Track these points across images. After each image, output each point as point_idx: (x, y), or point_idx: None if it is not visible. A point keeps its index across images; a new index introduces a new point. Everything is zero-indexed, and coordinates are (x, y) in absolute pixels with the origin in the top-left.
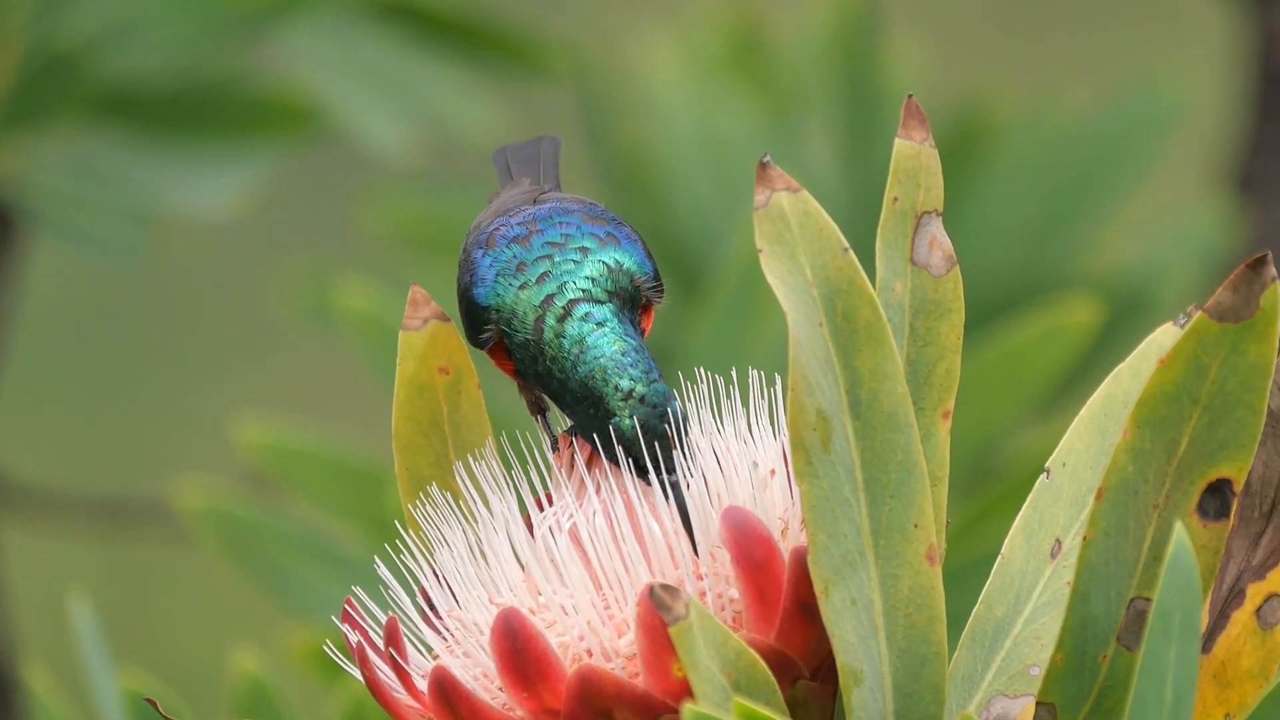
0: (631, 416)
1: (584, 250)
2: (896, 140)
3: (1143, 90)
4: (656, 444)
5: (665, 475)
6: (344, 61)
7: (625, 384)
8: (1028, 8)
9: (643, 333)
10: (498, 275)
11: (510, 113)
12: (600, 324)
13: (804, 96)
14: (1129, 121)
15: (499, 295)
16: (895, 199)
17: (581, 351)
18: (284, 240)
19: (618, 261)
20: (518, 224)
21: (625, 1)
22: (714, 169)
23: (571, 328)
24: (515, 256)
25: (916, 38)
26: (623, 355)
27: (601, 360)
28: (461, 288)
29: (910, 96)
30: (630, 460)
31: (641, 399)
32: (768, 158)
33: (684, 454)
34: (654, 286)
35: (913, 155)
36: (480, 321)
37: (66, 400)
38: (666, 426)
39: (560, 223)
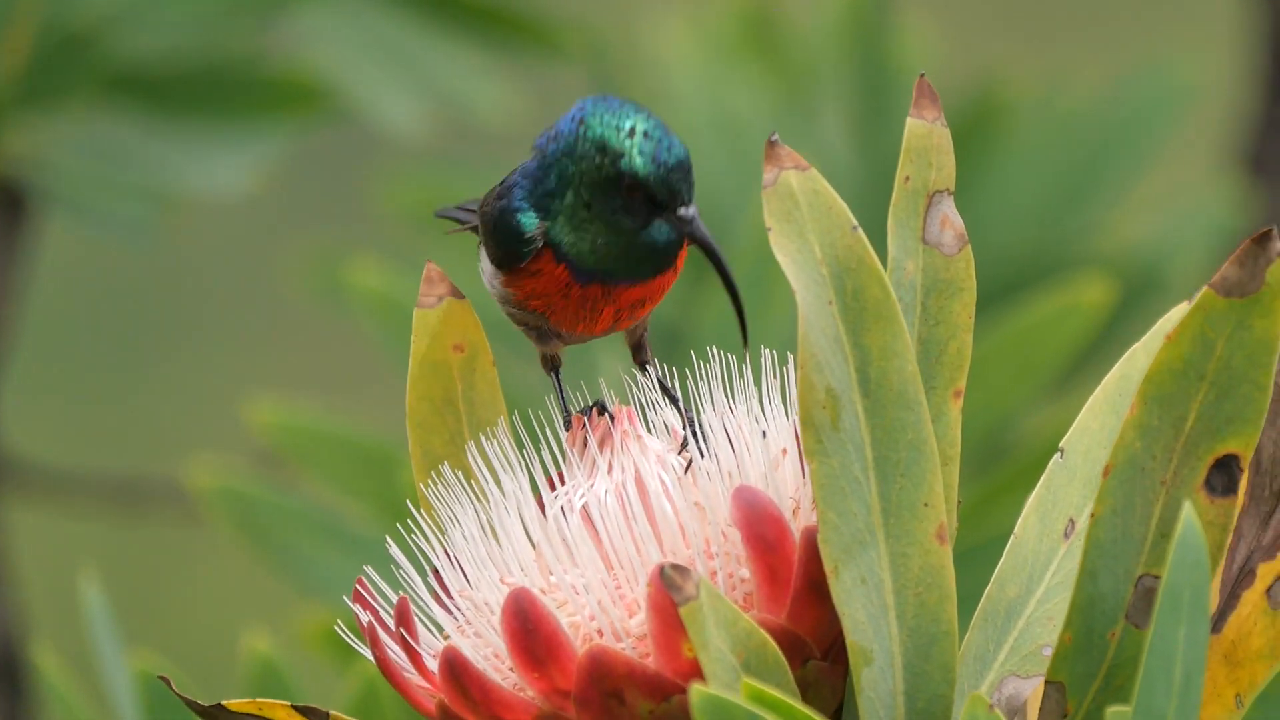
0: (641, 152)
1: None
2: (908, 119)
3: (1154, 71)
4: (674, 176)
5: (687, 207)
6: (357, 41)
7: (627, 123)
8: None
9: (676, 264)
10: (525, 194)
11: (523, 92)
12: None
13: (817, 76)
14: (1140, 102)
15: (529, 196)
16: (907, 178)
17: (590, 124)
18: (297, 219)
19: None
20: (532, 164)
21: None
22: (727, 148)
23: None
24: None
25: (929, 17)
26: (612, 110)
27: (606, 117)
28: (494, 217)
29: (922, 75)
30: (650, 202)
31: (645, 134)
32: (776, 136)
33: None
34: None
35: (924, 134)
36: (521, 234)
37: (78, 379)
38: (678, 159)
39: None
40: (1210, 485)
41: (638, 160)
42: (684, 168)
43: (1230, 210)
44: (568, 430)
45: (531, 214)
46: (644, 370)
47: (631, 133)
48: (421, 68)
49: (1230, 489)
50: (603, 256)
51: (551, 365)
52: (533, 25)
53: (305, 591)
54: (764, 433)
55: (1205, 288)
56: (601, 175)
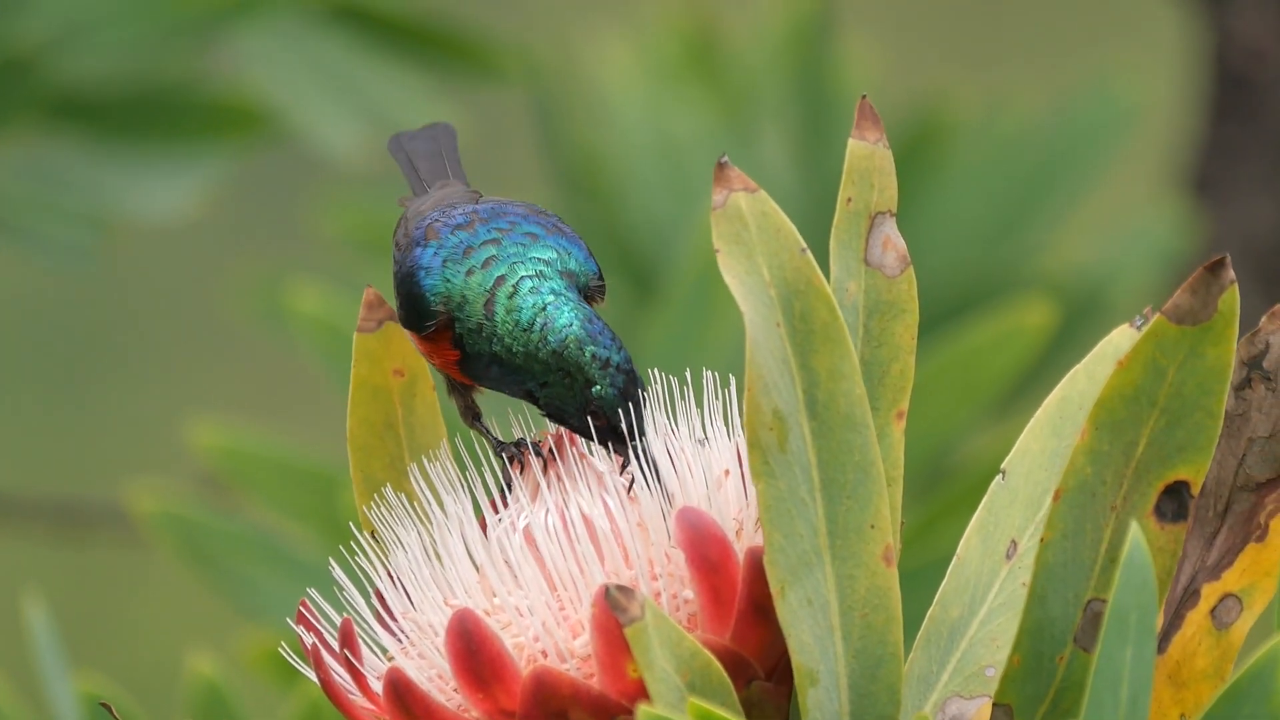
0: (612, 384)
1: (532, 236)
2: (850, 141)
3: (1097, 91)
4: (633, 412)
5: (639, 441)
6: (296, 64)
7: (602, 353)
8: (982, 9)
9: None
10: (444, 262)
11: (463, 115)
12: (556, 294)
13: (758, 98)
14: (1083, 123)
15: (447, 282)
16: (849, 199)
17: (547, 321)
18: (237, 243)
19: (565, 250)
20: (459, 215)
21: (578, 3)
22: (668, 170)
23: (527, 300)
24: (461, 242)
25: (870, 39)
26: (589, 323)
27: (573, 329)
28: (403, 274)
29: (864, 97)
30: (605, 433)
31: (618, 367)
32: (726, 158)
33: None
34: (598, 284)
35: (866, 156)
36: (426, 310)
37: (19, 403)
38: (638, 393)
39: (503, 213)
40: (1160, 511)
41: (608, 392)
42: (641, 401)
43: (1173, 232)
44: (499, 455)
45: (439, 284)
46: None
47: (605, 365)
48: (361, 91)
49: (1180, 515)
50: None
51: (472, 415)
52: (472, 48)
53: (248, 614)
54: (705, 453)
55: (1157, 315)
56: (563, 384)
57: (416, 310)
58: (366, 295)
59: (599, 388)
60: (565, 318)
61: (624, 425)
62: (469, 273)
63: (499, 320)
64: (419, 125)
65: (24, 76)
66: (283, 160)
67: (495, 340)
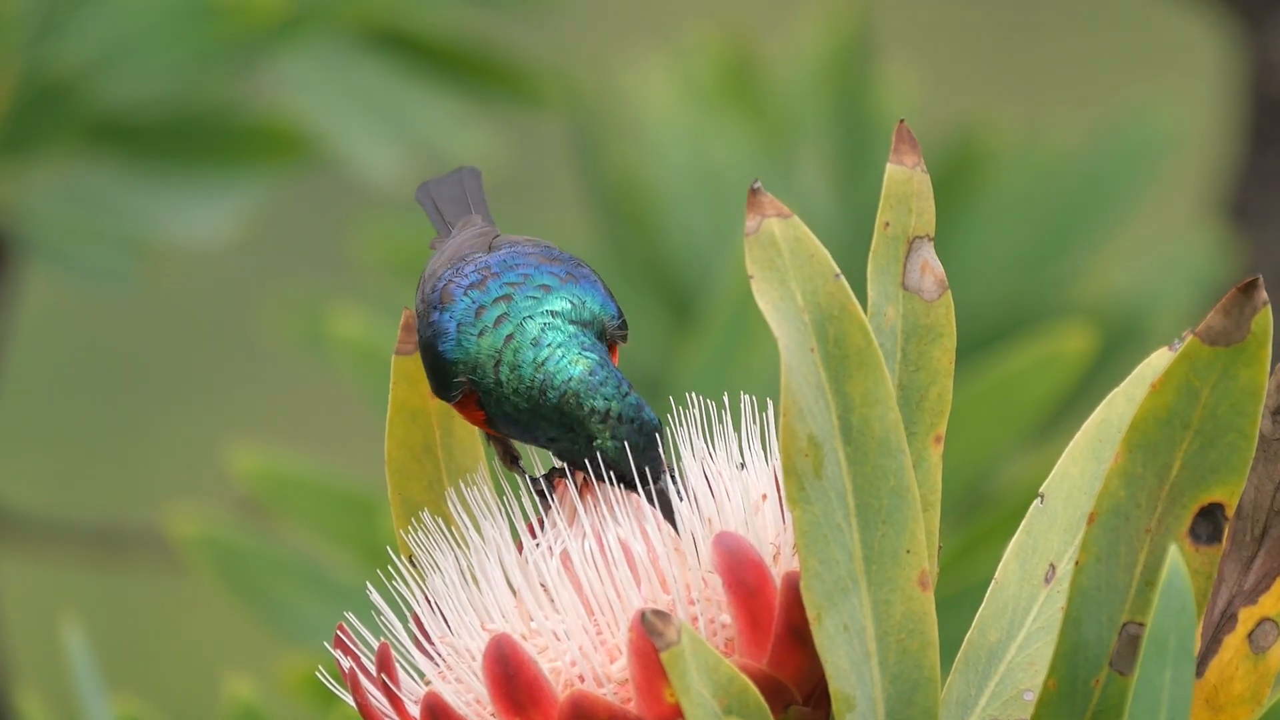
0: (614, 437)
1: (544, 288)
2: (888, 165)
3: (1136, 119)
4: (642, 458)
5: (655, 484)
6: (336, 89)
7: (600, 404)
8: (1021, 35)
9: None
10: (459, 326)
11: (502, 141)
12: (556, 345)
13: (797, 124)
14: (1122, 150)
15: (463, 348)
16: (887, 224)
17: (546, 377)
18: (276, 267)
19: (579, 299)
20: (471, 272)
21: (618, 29)
22: (707, 197)
23: (527, 356)
24: (473, 303)
25: (909, 65)
26: (590, 374)
27: (572, 384)
28: (424, 343)
29: (902, 122)
30: (619, 479)
31: (619, 417)
32: (758, 184)
33: (667, 462)
34: (618, 326)
35: (904, 180)
36: (449, 379)
37: (60, 428)
38: (647, 438)
39: (516, 265)
40: (1195, 533)
41: (610, 445)
42: (655, 447)
43: (1211, 259)
44: (539, 492)
45: (456, 351)
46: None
47: (606, 417)
48: (400, 115)
49: (1215, 537)
50: (525, 439)
51: (510, 459)
52: (512, 73)
53: (286, 638)
54: (743, 477)
55: (1190, 336)
56: (568, 439)
57: (440, 379)
58: (404, 318)
59: (600, 440)
60: (565, 371)
61: (635, 472)
62: (481, 334)
63: (505, 379)
64: (450, 166)
65: (64, 100)
66: (322, 185)
67: (505, 401)
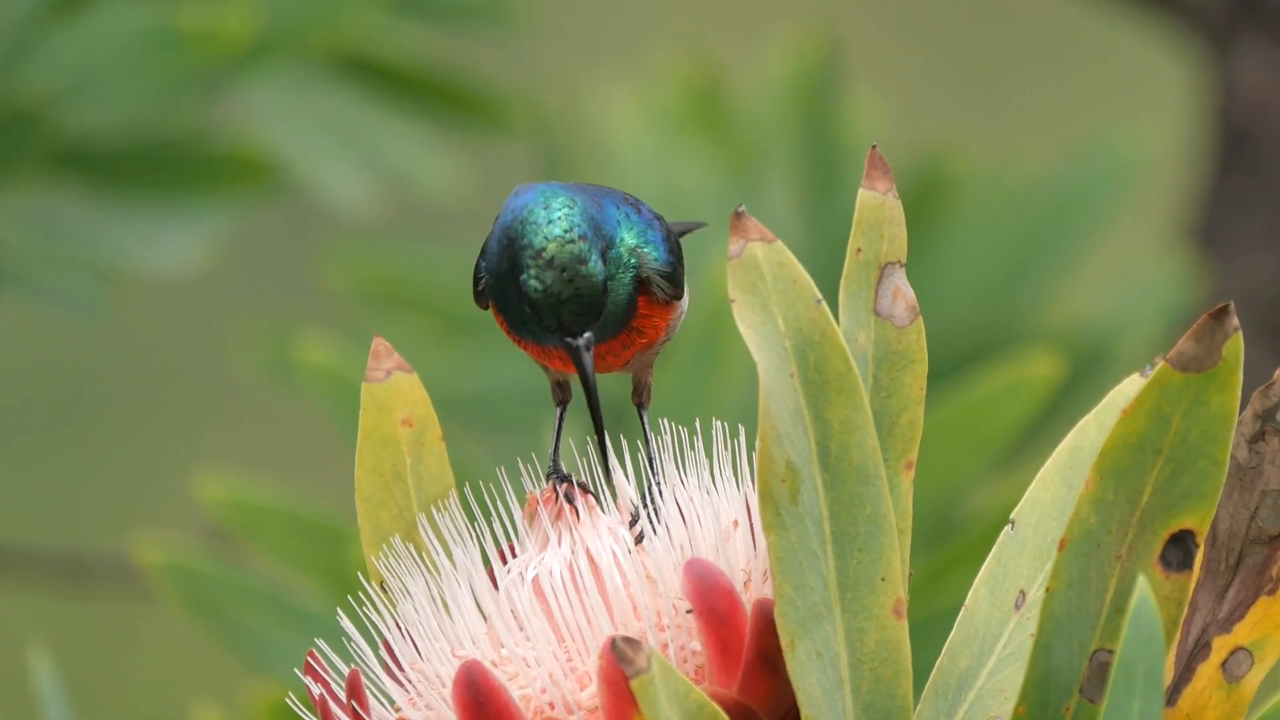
0: (538, 279)
1: (598, 204)
2: (860, 191)
3: (1103, 145)
4: (562, 309)
5: (571, 337)
6: (304, 116)
7: (538, 241)
8: (989, 61)
9: (639, 331)
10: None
11: (470, 167)
12: (552, 200)
13: (764, 150)
14: (1089, 176)
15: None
16: (859, 250)
17: (523, 221)
18: (244, 295)
19: (631, 225)
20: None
21: (585, 55)
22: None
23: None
24: (550, 194)
25: (877, 91)
26: (546, 211)
27: (530, 223)
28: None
29: (874, 147)
30: (542, 328)
31: (550, 261)
32: (743, 208)
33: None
34: (662, 272)
35: (876, 206)
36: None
37: (25, 455)
38: (572, 291)
39: (596, 198)
40: (1166, 560)
41: (532, 284)
42: (581, 301)
43: (1179, 285)
44: (549, 479)
45: (482, 263)
46: (639, 410)
47: (539, 255)
48: (368, 143)
49: (1186, 564)
50: (518, 327)
51: (559, 398)
52: (479, 100)
53: (254, 667)
54: (714, 503)
55: (1162, 362)
56: (511, 279)
57: (473, 279)
58: (375, 345)
59: (525, 275)
60: (534, 214)
61: (552, 323)
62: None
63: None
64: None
65: (30, 128)
66: (290, 212)
67: (495, 271)
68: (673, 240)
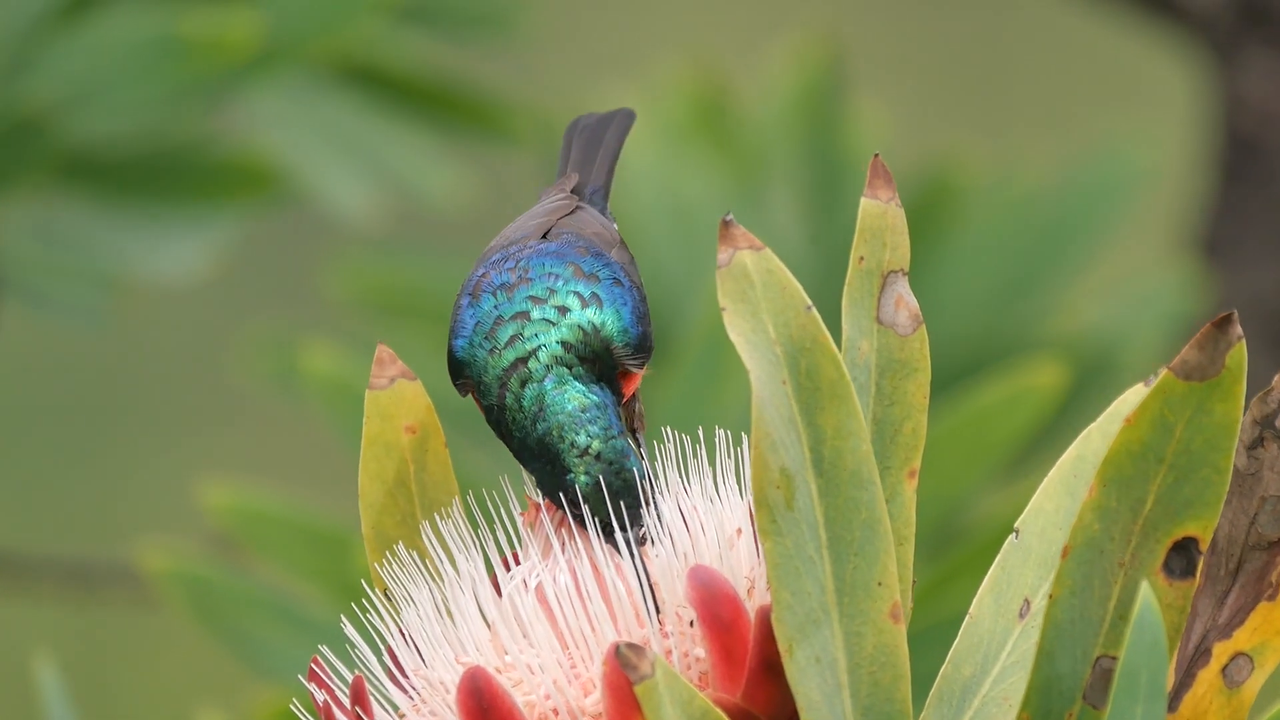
0: (587, 473)
1: (563, 310)
2: (863, 199)
3: (1107, 154)
4: (614, 502)
5: (625, 532)
6: (308, 126)
7: (582, 440)
8: (992, 72)
9: (622, 397)
10: (475, 328)
11: (475, 176)
12: (561, 383)
13: (768, 160)
14: (1093, 185)
15: (472, 354)
16: (861, 258)
17: (540, 409)
18: (248, 304)
19: (594, 326)
20: (508, 269)
21: (590, 66)
22: (678, 232)
23: (532, 389)
24: (495, 309)
25: (880, 101)
26: (582, 411)
27: (560, 417)
28: (449, 329)
29: (877, 156)
30: (592, 518)
31: (598, 455)
32: (730, 216)
33: (646, 511)
34: (632, 354)
35: (879, 214)
36: (457, 372)
37: (30, 464)
38: (624, 483)
39: (550, 274)
40: (1169, 568)
41: (583, 479)
42: (631, 493)
43: (1184, 294)
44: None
45: (465, 352)
46: (634, 434)
47: (585, 452)
48: (372, 153)
49: (1189, 571)
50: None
51: None
52: (484, 109)
53: (258, 673)
54: (718, 511)
55: (1165, 371)
56: (546, 471)
57: (450, 368)
58: (378, 352)
59: (574, 475)
60: (559, 405)
61: (604, 516)
62: (491, 351)
63: (508, 405)
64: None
65: (34, 137)
66: (294, 222)
67: (502, 423)
68: (637, 293)
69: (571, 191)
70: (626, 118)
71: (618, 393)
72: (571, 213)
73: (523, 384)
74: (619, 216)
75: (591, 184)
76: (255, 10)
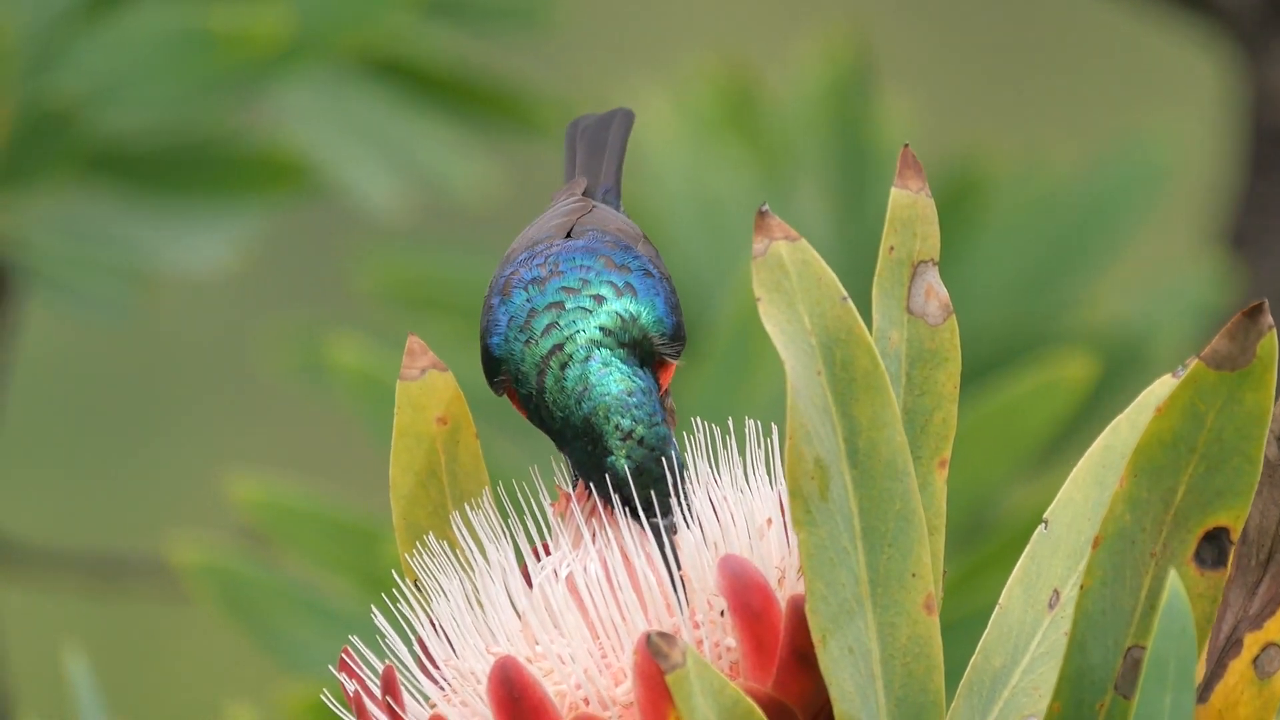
0: (629, 456)
1: (598, 299)
2: (893, 189)
3: (1135, 146)
4: (651, 487)
5: (657, 519)
6: (335, 119)
7: (626, 423)
8: (1019, 64)
9: (659, 387)
10: (509, 323)
11: (502, 169)
12: (606, 364)
13: (796, 153)
14: (1121, 177)
15: (508, 349)
16: (891, 248)
17: (586, 389)
18: (275, 297)
19: (630, 315)
20: (537, 264)
21: (617, 58)
22: (706, 225)
23: (574, 370)
24: (528, 302)
25: (908, 94)
26: (628, 395)
27: (606, 399)
28: (481, 330)
29: (906, 146)
30: (623, 502)
31: (640, 440)
32: (766, 207)
33: (680, 500)
34: (668, 343)
35: (909, 204)
36: (493, 370)
37: (60, 458)
38: (661, 470)
39: (582, 265)
40: (1200, 558)
41: (622, 463)
42: (669, 480)
43: (1211, 286)
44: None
45: (502, 346)
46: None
47: (629, 435)
48: (399, 145)
49: (1220, 561)
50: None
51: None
52: (511, 102)
53: (286, 666)
54: (748, 501)
55: (1196, 360)
56: (585, 451)
57: (486, 368)
58: (409, 343)
59: (614, 457)
60: (604, 386)
61: (639, 500)
62: (528, 342)
63: (548, 390)
64: (447, 195)
65: (62, 130)
66: (321, 215)
67: (543, 408)
68: (668, 284)
69: (583, 194)
70: (626, 117)
71: (655, 383)
72: (589, 212)
73: (563, 366)
74: (646, 209)
75: (602, 185)
76: (283, 4)
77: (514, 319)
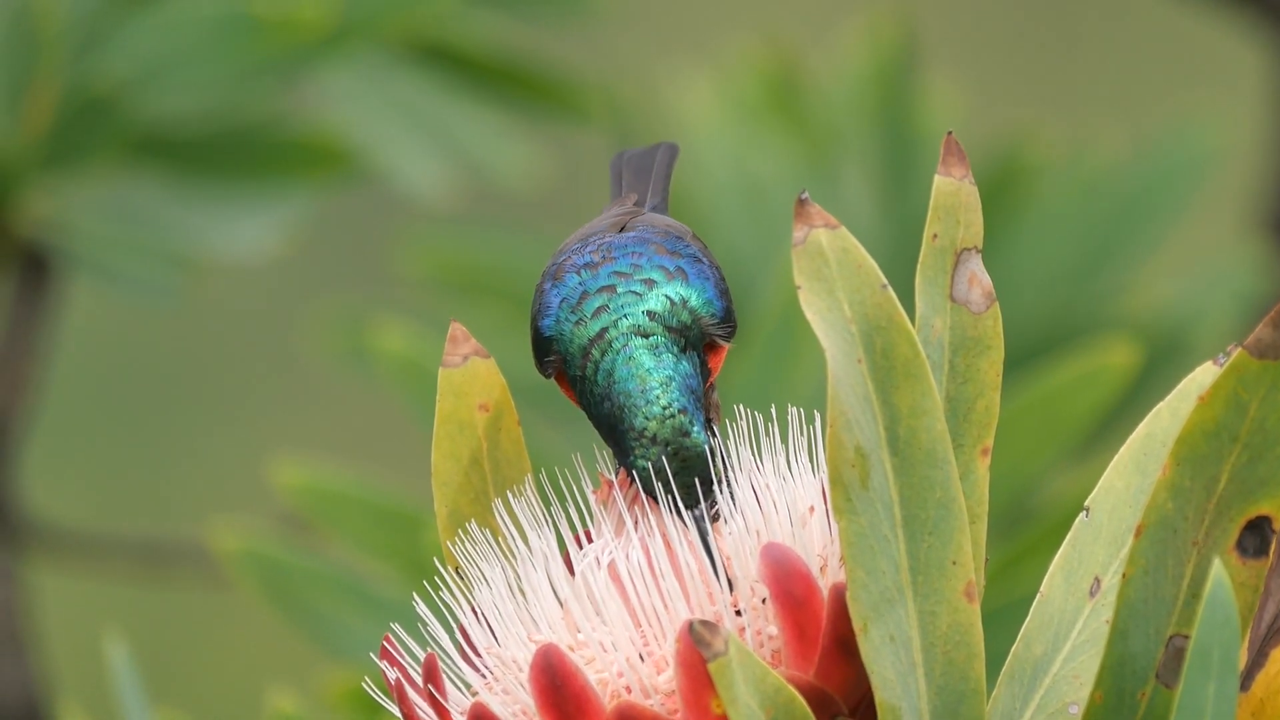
0: (644, 459)
1: (649, 283)
2: (936, 177)
3: (1179, 133)
4: (679, 481)
5: (690, 510)
6: (380, 104)
7: (639, 423)
8: (1065, 50)
9: (710, 373)
10: (561, 303)
11: (546, 154)
12: (630, 357)
13: (841, 138)
14: (1166, 164)
15: (559, 330)
16: (935, 236)
17: (609, 385)
18: (319, 282)
19: (681, 298)
20: (590, 252)
21: (662, 44)
22: (751, 211)
23: (608, 360)
24: (580, 285)
25: (953, 80)
26: (644, 390)
27: (621, 398)
28: (532, 313)
29: (950, 134)
30: (664, 495)
31: (654, 439)
32: (806, 194)
33: (719, 487)
34: (719, 324)
35: (952, 192)
36: (544, 352)
37: (103, 443)
38: (682, 464)
39: (634, 252)
40: (1242, 546)
41: (640, 464)
42: (691, 473)
43: (1255, 274)
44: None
45: (553, 327)
46: (707, 425)
47: (641, 436)
48: (444, 131)
49: (1262, 550)
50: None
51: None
52: (556, 88)
53: (330, 653)
54: (790, 489)
55: (1239, 349)
56: (614, 446)
57: (535, 352)
58: (452, 330)
59: (632, 458)
60: (625, 383)
61: (662, 498)
62: (578, 322)
63: (589, 375)
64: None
65: (108, 114)
66: (365, 199)
67: (585, 393)
68: (717, 272)
69: (634, 205)
70: (670, 150)
71: (705, 367)
72: (639, 215)
73: (602, 354)
74: (690, 196)
75: (650, 202)
76: None
77: (566, 300)
